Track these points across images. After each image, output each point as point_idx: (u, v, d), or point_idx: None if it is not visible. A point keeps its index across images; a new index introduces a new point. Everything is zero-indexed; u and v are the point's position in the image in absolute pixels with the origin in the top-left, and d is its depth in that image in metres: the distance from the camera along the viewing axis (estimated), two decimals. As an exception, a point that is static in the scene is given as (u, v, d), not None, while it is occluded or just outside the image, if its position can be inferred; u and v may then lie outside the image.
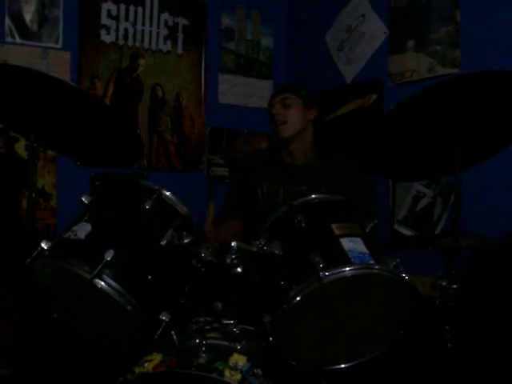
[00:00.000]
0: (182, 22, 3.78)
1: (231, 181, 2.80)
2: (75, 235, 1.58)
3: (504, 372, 2.27)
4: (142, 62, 3.63)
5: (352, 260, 1.53)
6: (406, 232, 3.17)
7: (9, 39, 3.17)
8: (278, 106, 2.54)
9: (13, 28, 3.18)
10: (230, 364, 1.48)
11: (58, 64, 3.30)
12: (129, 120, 3.48)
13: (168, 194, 1.68)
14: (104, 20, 3.49)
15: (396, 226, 3.22)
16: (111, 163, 2.32)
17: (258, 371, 1.51)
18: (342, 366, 1.68)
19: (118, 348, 1.74)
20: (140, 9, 3.61)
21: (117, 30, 3.54)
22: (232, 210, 2.63)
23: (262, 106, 4.04)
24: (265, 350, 1.61)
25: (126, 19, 3.56)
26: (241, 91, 4.06)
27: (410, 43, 3.18)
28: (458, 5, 2.90)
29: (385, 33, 3.38)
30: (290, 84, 2.71)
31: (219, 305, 1.68)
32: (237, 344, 1.63)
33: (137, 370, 1.50)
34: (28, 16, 3.23)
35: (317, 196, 1.76)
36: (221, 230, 2.38)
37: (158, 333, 1.58)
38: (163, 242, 1.60)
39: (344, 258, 1.54)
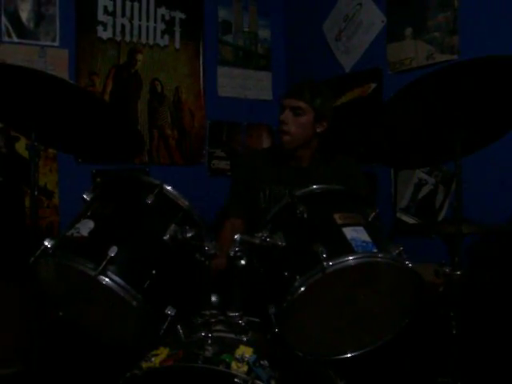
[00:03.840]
0: (179, 15, 3.77)
1: (233, 181, 2.71)
2: (78, 232, 1.58)
3: (509, 357, 2.27)
4: (139, 57, 3.63)
5: (355, 249, 1.53)
6: (409, 220, 3.18)
7: (5, 38, 3.17)
8: (287, 113, 2.42)
9: (9, 27, 3.18)
10: (237, 356, 1.49)
11: (55, 62, 3.30)
12: (129, 116, 3.49)
13: (169, 188, 1.68)
14: (100, 16, 3.49)
15: (398, 214, 3.22)
16: (112, 159, 2.32)
17: (265, 362, 1.52)
18: (349, 355, 1.68)
19: (125, 344, 1.75)
20: (136, 4, 3.60)
21: (114, 25, 3.53)
22: (234, 211, 2.60)
23: (262, 98, 4.08)
24: (271, 341, 1.62)
25: (123, 15, 3.56)
26: (240, 83, 4.05)
27: (408, 31, 3.18)
28: (455, -10, 2.90)
29: (382, 21, 3.37)
30: (307, 88, 2.47)
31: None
32: (243, 336, 1.64)
33: (144, 364, 1.51)
34: (24, 15, 3.22)
35: (318, 186, 1.75)
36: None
37: (164, 327, 1.58)
38: (166, 237, 1.60)
39: (347, 247, 1.54)
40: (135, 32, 3.61)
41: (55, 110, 1.82)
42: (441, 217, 3.00)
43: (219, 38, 3.99)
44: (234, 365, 1.46)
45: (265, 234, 1.66)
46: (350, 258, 1.50)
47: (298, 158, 2.53)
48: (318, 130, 2.48)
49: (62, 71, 3.28)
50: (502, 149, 2.04)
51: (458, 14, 2.89)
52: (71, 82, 2.12)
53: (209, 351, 1.52)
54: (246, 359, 1.48)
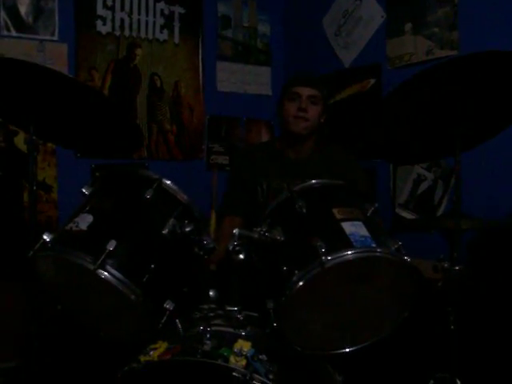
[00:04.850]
0: (178, 10, 3.76)
1: (230, 177, 2.76)
2: (77, 226, 1.58)
3: (508, 353, 2.28)
4: (139, 51, 3.62)
5: (354, 244, 1.53)
6: (408, 215, 3.18)
7: (4, 32, 3.16)
8: (306, 100, 2.46)
9: (8, 21, 3.17)
10: (235, 350, 1.49)
11: (54, 56, 3.29)
12: (128, 110, 3.49)
13: (168, 182, 1.68)
14: (100, 11, 3.48)
15: (397, 210, 3.22)
16: (111, 154, 2.32)
17: (263, 357, 1.52)
18: (347, 349, 1.68)
19: (123, 337, 1.75)
20: (136, -2, 3.60)
21: (113, 20, 3.52)
22: (231, 207, 2.60)
23: (261, 93, 4.07)
24: (269, 335, 1.62)
25: (122, 9, 3.55)
26: (239, 78, 4.04)
27: (408, 26, 3.17)
28: (454, -14, 2.89)
29: (382, 16, 3.36)
30: (317, 78, 2.62)
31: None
32: (241, 330, 1.65)
33: (142, 358, 1.51)
34: (23, 9, 3.21)
35: (317, 181, 1.75)
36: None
37: (163, 321, 1.58)
38: (165, 231, 1.60)
39: (346, 242, 1.54)
40: (134, 26, 3.60)
41: (54, 104, 1.82)
42: (440, 212, 3.00)
43: (218, 33, 3.98)
44: (232, 359, 1.47)
45: (263, 229, 1.66)
46: (349, 252, 1.50)
47: (298, 149, 2.54)
48: (321, 120, 2.54)
49: (60, 65, 3.27)
50: (501, 144, 2.04)
51: (457, 9, 2.89)
52: (70, 76, 2.12)
53: (207, 345, 1.52)
54: (245, 353, 1.48)
